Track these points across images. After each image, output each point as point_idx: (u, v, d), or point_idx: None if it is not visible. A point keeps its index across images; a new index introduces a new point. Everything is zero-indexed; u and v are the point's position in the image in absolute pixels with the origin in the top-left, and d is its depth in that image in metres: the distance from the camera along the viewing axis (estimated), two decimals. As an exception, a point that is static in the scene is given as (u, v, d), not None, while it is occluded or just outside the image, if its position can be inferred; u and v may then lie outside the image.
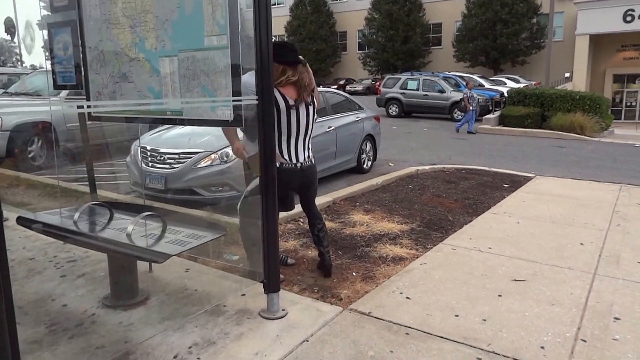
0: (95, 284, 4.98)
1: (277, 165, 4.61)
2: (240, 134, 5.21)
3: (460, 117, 27.28)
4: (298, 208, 5.71)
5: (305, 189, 5.35)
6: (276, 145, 4.77)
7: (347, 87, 49.40)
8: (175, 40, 4.05)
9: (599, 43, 41.25)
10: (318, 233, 5.37)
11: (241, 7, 3.91)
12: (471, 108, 22.46)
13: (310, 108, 5.12)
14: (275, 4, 62.08)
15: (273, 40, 4.11)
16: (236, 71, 3.85)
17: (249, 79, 4.21)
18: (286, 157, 5.02)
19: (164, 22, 4.06)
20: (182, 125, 7.84)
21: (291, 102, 4.94)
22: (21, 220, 4.72)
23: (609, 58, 42.53)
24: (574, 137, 21.61)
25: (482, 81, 36.12)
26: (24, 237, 6.10)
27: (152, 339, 3.94)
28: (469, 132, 22.35)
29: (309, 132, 5.21)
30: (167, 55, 4.12)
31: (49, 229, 4.54)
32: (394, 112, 29.77)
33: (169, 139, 8.57)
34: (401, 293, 4.93)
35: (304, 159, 5.15)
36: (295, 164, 5.07)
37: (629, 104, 42.73)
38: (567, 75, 40.61)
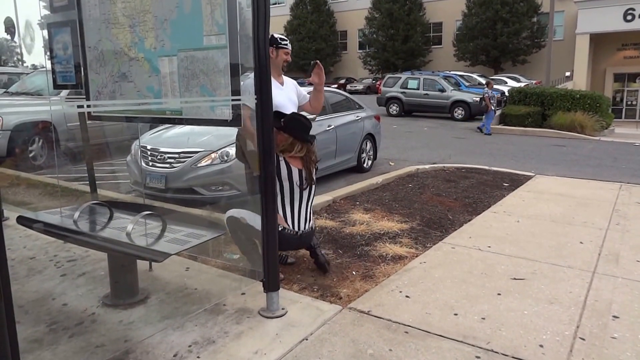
0: (95, 283, 4.99)
1: (280, 229, 4.66)
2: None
3: (460, 116, 27.36)
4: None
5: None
6: (279, 209, 4.87)
7: (348, 87, 49.32)
8: (174, 40, 4.07)
9: (600, 42, 41.26)
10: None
11: (242, 7, 3.92)
12: (492, 108, 22.32)
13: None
14: (275, 4, 62.11)
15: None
16: (235, 70, 3.86)
17: (251, 82, 4.24)
18: (289, 222, 5.03)
19: (163, 21, 4.07)
20: (182, 124, 7.85)
21: (295, 177, 4.96)
22: (22, 220, 4.74)
23: (610, 57, 42.53)
24: (574, 136, 21.61)
25: (482, 80, 36.10)
26: (24, 236, 6.11)
27: (152, 337, 3.95)
28: (485, 134, 22.11)
29: (312, 199, 5.23)
30: (166, 54, 4.13)
31: (49, 229, 4.55)
32: (395, 111, 29.76)
33: (169, 139, 8.59)
34: (400, 292, 4.94)
35: (305, 227, 5.15)
36: (297, 232, 5.08)
37: (629, 102, 42.74)
38: (567, 74, 40.61)
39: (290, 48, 5.37)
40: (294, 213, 5.05)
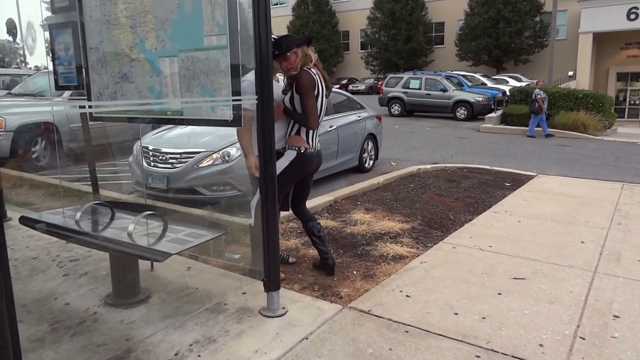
0: (97, 282, 5.02)
1: (302, 150, 4.97)
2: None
3: (462, 116, 27.34)
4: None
5: (311, 175, 5.45)
6: (301, 129, 5.04)
7: (350, 87, 49.29)
8: (175, 41, 4.08)
9: (603, 41, 41.14)
10: (319, 234, 5.39)
11: (243, 7, 3.93)
12: (544, 109, 21.98)
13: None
14: (277, 4, 62.12)
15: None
16: (236, 71, 3.87)
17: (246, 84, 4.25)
18: (310, 142, 5.12)
19: (163, 22, 4.09)
20: (183, 125, 7.87)
21: (323, 86, 5.10)
22: (24, 220, 4.76)
23: (613, 56, 42.42)
24: (576, 135, 21.58)
25: (484, 80, 36.09)
26: (27, 236, 6.13)
27: (153, 336, 3.98)
28: (546, 135, 21.82)
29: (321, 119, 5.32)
30: (167, 55, 4.14)
31: (52, 229, 4.57)
32: (397, 112, 29.76)
33: (170, 139, 8.60)
34: (401, 291, 4.95)
35: (318, 146, 5.29)
36: (315, 150, 5.19)
37: (632, 102, 42.58)
38: (570, 73, 40.52)
39: None
40: (311, 134, 5.12)
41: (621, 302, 4.80)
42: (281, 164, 4.91)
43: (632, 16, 37.35)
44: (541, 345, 3.99)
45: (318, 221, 5.51)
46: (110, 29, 4.45)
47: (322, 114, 5.18)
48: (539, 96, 21.98)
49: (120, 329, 4.13)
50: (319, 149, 5.29)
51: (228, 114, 3.97)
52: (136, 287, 4.66)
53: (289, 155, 5.03)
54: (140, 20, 4.21)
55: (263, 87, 4.03)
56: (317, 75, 5.02)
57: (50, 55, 5.32)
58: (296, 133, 5.07)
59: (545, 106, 22.13)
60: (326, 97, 5.20)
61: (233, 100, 3.90)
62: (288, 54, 4.90)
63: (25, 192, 9.23)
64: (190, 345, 3.85)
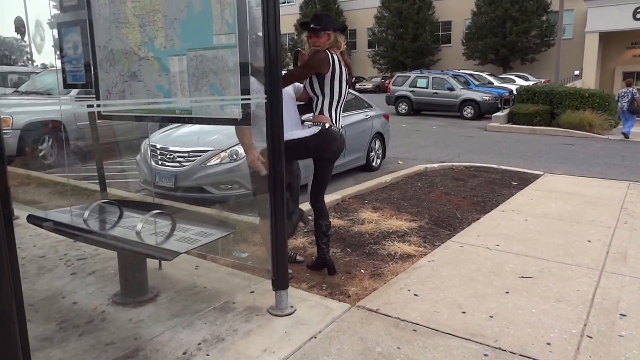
0: (105, 281, 5.02)
1: (327, 127, 5.05)
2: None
3: (469, 115, 27.32)
4: (305, 207, 5.71)
5: (330, 162, 5.52)
6: (324, 108, 5.12)
7: (357, 85, 49.14)
8: (184, 39, 4.08)
9: (609, 40, 41.13)
10: (325, 231, 5.38)
11: (251, 6, 3.94)
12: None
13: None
14: (284, 2, 62.06)
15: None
16: (245, 70, 3.87)
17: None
18: (334, 122, 5.18)
19: (172, 21, 4.09)
20: (192, 123, 7.88)
21: (344, 70, 5.17)
22: (32, 219, 4.77)
23: (619, 55, 42.40)
24: (582, 134, 21.51)
25: (491, 79, 36.03)
26: (34, 235, 6.15)
27: (162, 335, 3.98)
28: (624, 133, 21.58)
29: (342, 101, 5.33)
30: (176, 54, 4.15)
31: (59, 227, 4.58)
32: (404, 110, 29.71)
33: (178, 137, 8.61)
34: (409, 290, 4.95)
35: (341, 129, 5.37)
36: (337, 129, 5.24)
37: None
38: (576, 72, 40.49)
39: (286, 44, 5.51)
40: (335, 111, 5.22)
41: (628, 300, 4.79)
42: (302, 133, 5.05)
43: (638, 16, 37.42)
44: (549, 343, 3.98)
45: (330, 221, 5.50)
46: (119, 27, 4.46)
47: (342, 98, 5.25)
48: (637, 96, 21.67)
49: (128, 327, 4.14)
50: (341, 133, 5.35)
51: (237, 113, 3.97)
52: (144, 286, 4.66)
53: (313, 129, 5.10)
54: (150, 19, 4.21)
55: (272, 86, 4.03)
56: (337, 60, 5.05)
57: (59, 53, 5.32)
58: (319, 112, 5.13)
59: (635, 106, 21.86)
60: (347, 83, 5.24)
61: (242, 99, 3.90)
62: (322, 32, 4.98)
63: (32, 190, 9.25)
64: (199, 344, 3.86)
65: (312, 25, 4.99)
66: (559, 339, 4.06)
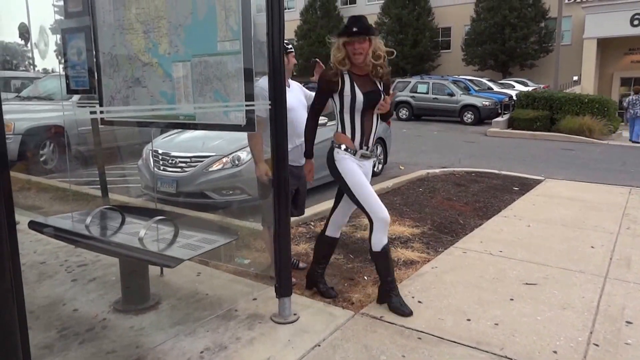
0: (106, 288, 5.00)
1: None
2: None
3: (469, 120, 27.34)
4: (307, 212, 5.67)
5: None
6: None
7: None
8: (188, 46, 4.07)
9: (607, 47, 41.19)
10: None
11: (255, 13, 3.92)
12: None
13: None
14: (285, 9, 61.88)
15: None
16: (249, 76, 3.85)
17: (263, 83, 4.23)
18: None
19: (177, 27, 4.07)
20: (196, 129, 7.87)
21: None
22: (33, 224, 4.75)
23: (617, 61, 42.44)
24: (582, 140, 21.49)
25: (490, 84, 36.05)
26: (35, 241, 6.11)
27: (164, 343, 3.95)
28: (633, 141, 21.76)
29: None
30: (180, 60, 4.13)
31: (60, 233, 4.55)
32: (404, 116, 29.75)
33: (180, 143, 8.59)
34: (413, 297, 4.92)
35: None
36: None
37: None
38: (575, 78, 40.50)
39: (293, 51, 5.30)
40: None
41: (633, 307, 4.77)
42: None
43: (636, 22, 37.50)
44: (555, 352, 3.96)
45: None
46: (124, 33, 4.44)
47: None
48: None
49: (130, 335, 4.11)
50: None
51: (241, 119, 3.95)
52: (146, 293, 4.64)
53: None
54: (154, 25, 4.20)
55: (276, 93, 4.01)
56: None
57: (62, 58, 5.31)
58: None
59: None
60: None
61: (246, 105, 3.88)
62: (367, 37, 4.34)
63: (33, 195, 9.22)
64: (201, 352, 3.83)
65: (354, 30, 4.31)
66: (566, 347, 4.03)
